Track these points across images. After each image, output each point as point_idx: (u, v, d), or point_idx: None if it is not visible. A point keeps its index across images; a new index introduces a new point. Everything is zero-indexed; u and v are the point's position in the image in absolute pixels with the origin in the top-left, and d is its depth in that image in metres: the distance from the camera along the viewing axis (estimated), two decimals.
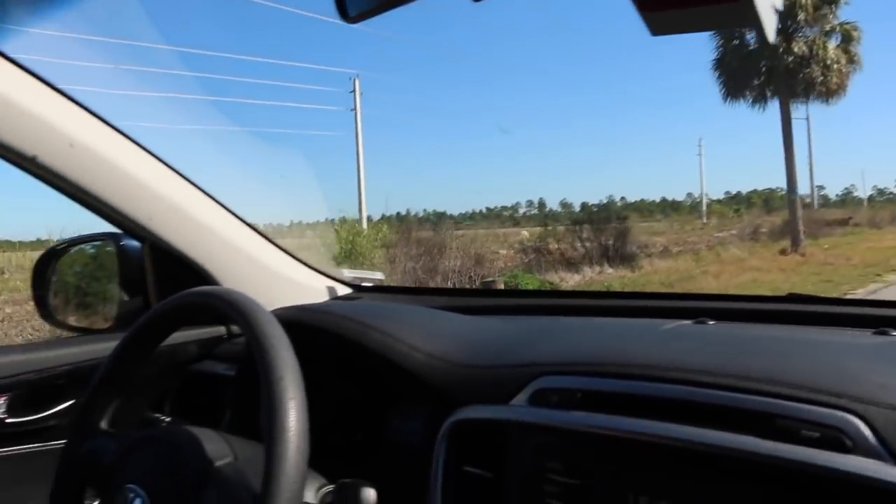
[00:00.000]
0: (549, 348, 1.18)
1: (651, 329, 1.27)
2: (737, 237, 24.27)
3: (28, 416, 1.47)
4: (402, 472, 1.22)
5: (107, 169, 1.41)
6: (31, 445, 1.48)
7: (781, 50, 21.12)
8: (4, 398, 1.44)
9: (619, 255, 17.91)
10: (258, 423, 1.26)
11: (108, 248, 1.75)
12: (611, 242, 18.19)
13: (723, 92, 23.00)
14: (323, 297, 1.73)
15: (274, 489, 0.85)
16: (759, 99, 23.20)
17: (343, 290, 1.80)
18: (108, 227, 1.57)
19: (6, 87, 1.28)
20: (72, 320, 1.75)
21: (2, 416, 1.43)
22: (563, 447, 1.00)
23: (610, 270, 16.70)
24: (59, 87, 1.34)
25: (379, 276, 1.87)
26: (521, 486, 1.03)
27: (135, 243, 1.64)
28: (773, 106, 22.69)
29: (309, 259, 1.76)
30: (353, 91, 23.47)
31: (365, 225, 16.65)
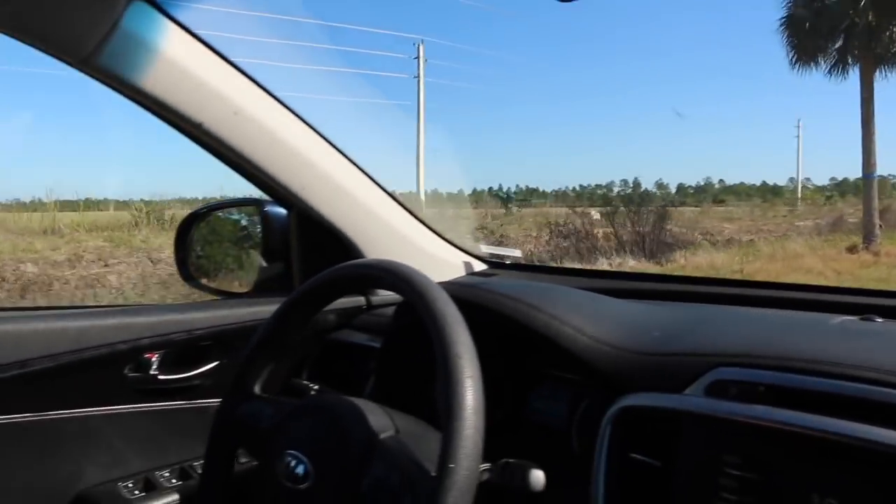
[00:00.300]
0: (724, 338, 1.14)
1: (821, 324, 1.22)
2: (813, 228, 21.67)
3: (176, 374, 1.52)
4: (541, 454, 1.21)
5: (267, 137, 1.43)
6: (175, 402, 1.54)
7: (863, 3, 18.30)
8: (157, 355, 1.49)
9: (657, 244, 16.20)
10: (405, 395, 1.27)
11: (251, 214, 1.79)
12: (647, 229, 16.29)
13: (791, 56, 19.73)
14: (459, 273, 1.72)
15: (453, 465, 0.85)
16: (838, 65, 19.74)
17: (479, 266, 1.79)
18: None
19: (181, 54, 1.31)
20: (212, 283, 1.79)
21: (154, 373, 1.49)
22: (743, 441, 0.97)
23: (632, 262, 14.82)
24: (227, 56, 1.36)
25: (516, 253, 1.85)
26: (694, 478, 1.00)
27: (280, 210, 1.66)
28: (855, 75, 19.29)
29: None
30: (417, 57, 22.66)
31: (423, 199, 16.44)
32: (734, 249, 17.19)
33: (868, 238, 17.33)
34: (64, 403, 1.42)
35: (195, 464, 1.52)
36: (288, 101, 1.45)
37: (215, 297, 1.74)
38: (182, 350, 1.52)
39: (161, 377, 1.50)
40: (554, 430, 1.26)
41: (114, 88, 1.32)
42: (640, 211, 17.17)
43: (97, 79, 1.30)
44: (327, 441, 1.04)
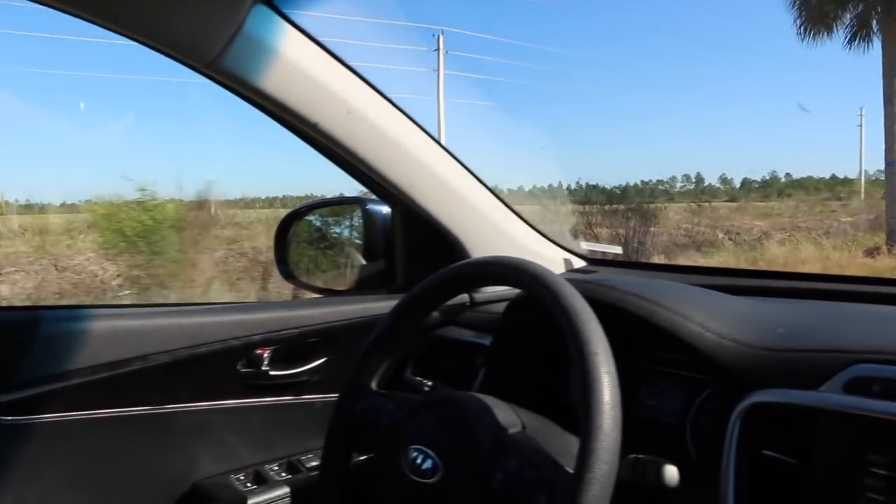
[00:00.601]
0: (858, 335, 1.11)
1: None
2: (852, 225, 19.36)
3: (285, 370, 1.56)
4: (653, 450, 1.20)
5: (378, 136, 1.45)
6: (284, 397, 1.57)
7: None
8: (268, 351, 1.52)
9: (667, 244, 15.12)
10: (516, 391, 1.27)
11: (351, 212, 1.81)
12: (649, 229, 14.57)
13: (800, 25, 16.58)
14: (559, 270, 1.72)
15: (593, 460, 0.85)
16: (858, 35, 16.58)
17: (578, 263, 1.78)
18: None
19: (299, 56, 1.34)
20: (312, 281, 1.82)
21: (265, 369, 1.52)
22: (890, 439, 0.95)
23: None
24: (340, 56, 1.38)
25: (616, 249, 1.84)
26: (835, 477, 0.98)
27: (381, 208, 1.69)
28: (877, 47, 16.25)
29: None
30: (437, 49, 21.76)
31: None
32: (750, 250, 15.75)
33: (892, 238, 14.77)
34: (179, 397, 1.47)
35: (303, 458, 1.55)
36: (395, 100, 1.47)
37: (317, 295, 1.77)
38: (291, 346, 1.55)
39: (272, 373, 1.53)
40: (666, 426, 1.25)
41: (235, 91, 1.36)
42: (643, 210, 15.57)
43: (219, 82, 1.33)
44: (455, 436, 1.04)
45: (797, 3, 16.42)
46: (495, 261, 1.14)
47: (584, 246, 1.83)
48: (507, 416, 1.06)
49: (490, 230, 1.64)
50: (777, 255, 14.34)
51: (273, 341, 1.52)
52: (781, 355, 1.11)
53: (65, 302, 9.20)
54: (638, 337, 1.27)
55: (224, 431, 1.51)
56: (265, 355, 1.52)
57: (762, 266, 12.86)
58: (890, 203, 15.26)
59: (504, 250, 1.62)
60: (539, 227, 1.75)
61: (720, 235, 16.99)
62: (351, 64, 1.40)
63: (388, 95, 1.45)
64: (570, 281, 1.07)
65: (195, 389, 1.48)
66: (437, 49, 21.57)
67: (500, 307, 1.55)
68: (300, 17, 1.32)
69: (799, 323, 1.22)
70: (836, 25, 16.29)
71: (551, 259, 1.73)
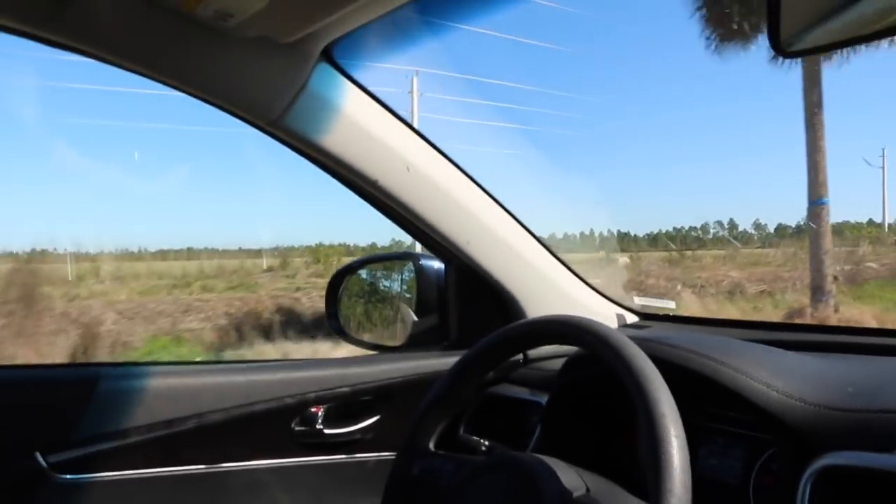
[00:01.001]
0: None
1: None
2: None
3: (339, 428, 1.54)
4: None
5: (436, 192, 1.46)
6: (337, 456, 1.55)
7: None
8: (322, 409, 1.51)
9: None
10: (574, 451, 1.24)
11: (402, 268, 1.81)
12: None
13: (710, 33, 12.66)
14: (612, 325, 1.70)
15: None
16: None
17: (631, 318, 1.77)
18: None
19: (360, 113, 1.36)
20: (364, 336, 1.81)
21: (320, 427, 1.51)
22: None
23: None
24: (397, 112, 1.40)
25: (670, 304, 1.82)
26: None
27: (434, 264, 1.69)
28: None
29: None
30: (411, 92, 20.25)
31: None
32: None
33: (816, 296, 11.55)
34: (233, 455, 1.46)
35: None
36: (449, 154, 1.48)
37: (369, 351, 1.76)
38: (345, 404, 1.54)
39: (326, 431, 1.52)
40: (727, 486, 1.22)
41: (296, 150, 1.38)
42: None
43: (281, 140, 1.35)
44: (520, 500, 1.02)
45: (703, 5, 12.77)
46: (557, 320, 1.13)
47: (637, 300, 1.81)
48: (572, 478, 1.03)
49: (545, 286, 1.63)
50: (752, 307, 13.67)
51: (327, 399, 1.51)
52: (853, 416, 1.08)
53: None
54: (697, 395, 1.25)
55: (277, 491, 1.49)
56: (319, 413, 1.51)
57: None
58: (814, 253, 11.93)
59: (559, 307, 1.61)
60: (591, 281, 1.74)
61: (678, 287, 15.90)
62: (409, 121, 1.42)
63: (444, 150, 1.46)
64: (632, 339, 1.06)
65: (249, 448, 1.47)
66: (411, 91, 21.06)
67: (554, 364, 1.53)
68: (360, 74, 1.35)
69: (867, 381, 1.19)
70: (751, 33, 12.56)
71: (604, 314, 1.71)
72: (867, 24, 0.79)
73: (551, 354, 1.59)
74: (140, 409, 1.38)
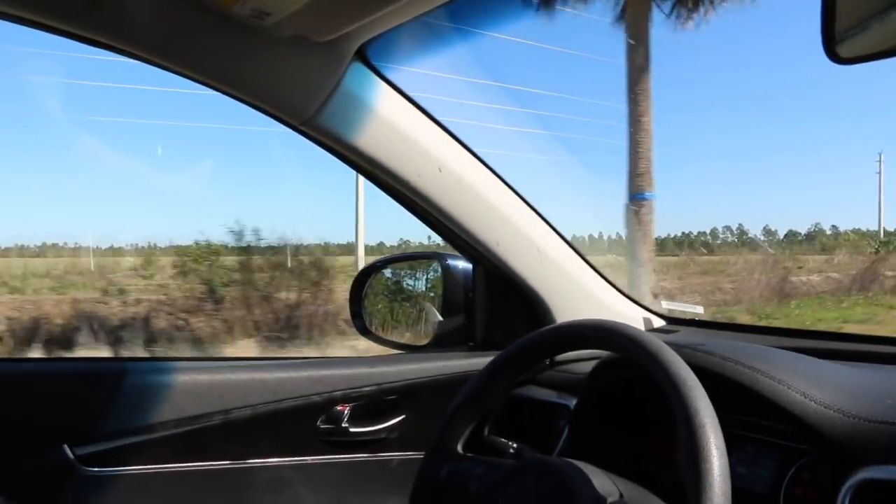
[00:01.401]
0: None
1: None
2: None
3: (365, 426, 1.54)
4: None
5: (467, 193, 1.46)
6: (361, 454, 1.55)
7: None
8: (348, 408, 1.51)
9: None
10: (602, 455, 1.24)
11: (428, 267, 1.81)
12: None
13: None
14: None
15: None
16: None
17: (657, 323, 1.75)
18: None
19: (393, 113, 1.36)
20: (389, 336, 1.81)
21: (346, 425, 1.51)
22: None
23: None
24: (431, 113, 1.39)
25: (698, 309, 1.81)
26: None
27: (461, 264, 1.68)
28: None
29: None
30: None
31: None
32: None
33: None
34: (258, 452, 1.46)
35: None
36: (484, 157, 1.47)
37: (396, 351, 1.76)
38: (370, 403, 1.54)
39: (351, 429, 1.52)
40: (756, 494, 1.21)
41: (328, 149, 1.38)
42: None
43: (313, 139, 1.35)
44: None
45: None
46: (594, 325, 1.12)
47: (664, 304, 1.80)
48: (605, 484, 1.03)
49: (573, 289, 1.62)
50: None
51: (353, 398, 1.51)
52: (893, 429, 1.06)
53: None
54: (729, 402, 1.24)
55: (301, 488, 1.49)
56: (345, 412, 1.51)
57: None
58: (630, 262, 10.16)
59: (587, 309, 1.61)
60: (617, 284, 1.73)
61: None
62: (441, 120, 1.41)
63: (478, 153, 1.46)
64: (669, 345, 1.05)
65: (275, 445, 1.47)
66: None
67: (580, 367, 1.52)
68: (394, 73, 1.34)
69: None
70: None
71: (632, 318, 1.70)
72: None
73: (577, 357, 1.59)
74: (167, 404, 1.38)
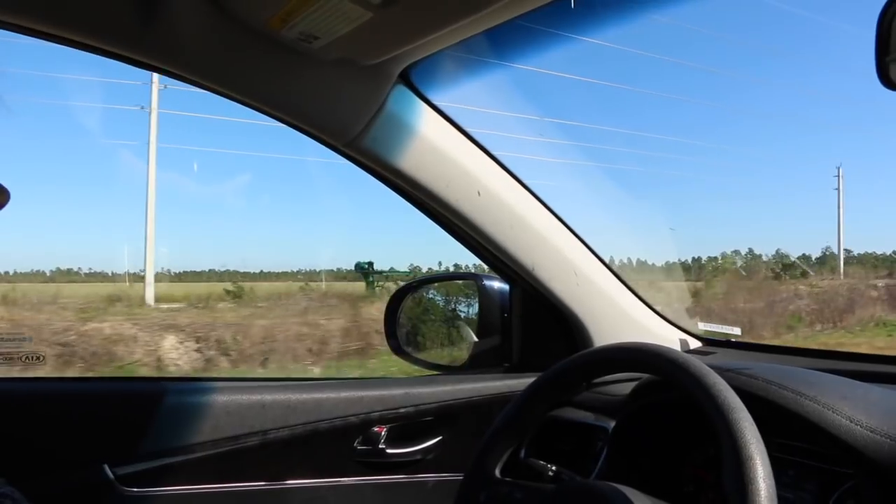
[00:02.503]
0: None
1: None
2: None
3: (401, 448, 1.54)
4: None
5: (507, 216, 1.47)
6: (397, 476, 1.55)
7: None
8: (385, 429, 1.51)
9: None
10: (641, 477, 1.23)
11: (464, 288, 1.81)
12: None
13: None
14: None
15: None
16: None
17: (694, 344, 1.74)
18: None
19: (434, 135, 1.37)
20: (424, 356, 1.81)
21: (382, 446, 1.51)
22: None
23: None
24: (472, 135, 1.40)
25: (736, 331, 1.80)
26: None
27: (498, 285, 1.68)
28: None
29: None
30: None
31: None
32: None
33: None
34: (295, 473, 1.46)
35: None
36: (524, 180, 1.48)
37: (431, 372, 1.76)
38: (407, 424, 1.54)
39: (388, 451, 1.52)
40: None
41: (369, 170, 1.39)
42: None
43: (356, 161, 1.37)
44: None
45: None
46: (635, 348, 1.12)
47: (701, 326, 1.79)
48: None
49: (612, 311, 1.62)
50: None
51: (390, 419, 1.51)
52: None
53: None
54: (770, 424, 1.23)
55: None
56: (382, 433, 1.51)
57: None
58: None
59: (625, 331, 1.60)
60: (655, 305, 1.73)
61: None
62: (483, 144, 1.42)
63: (518, 176, 1.47)
64: (712, 368, 1.05)
65: (312, 465, 1.47)
66: None
67: (617, 388, 1.52)
68: (437, 96, 1.36)
69: None
70: None
71: (669, 340, 1.69)
72: None
73: (615, 379, 1.58)
74: (206, 425, 1.39)
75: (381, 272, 14.51)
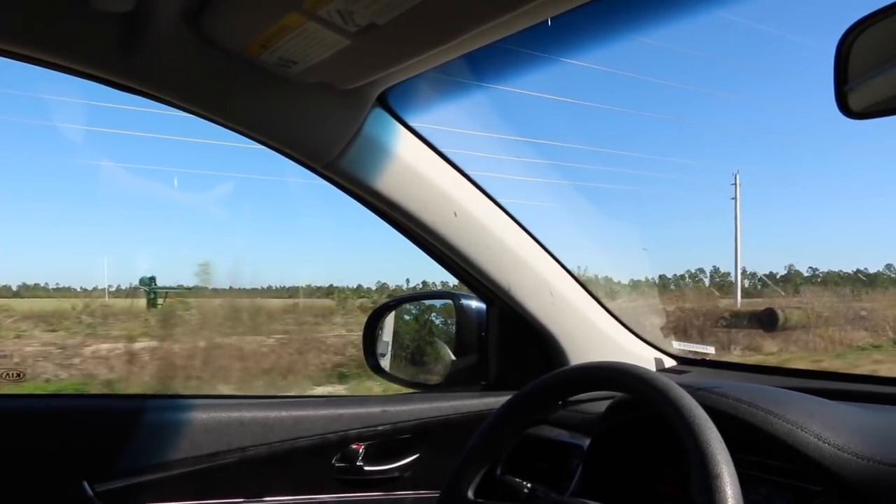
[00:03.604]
0: None
1: None
2: None
3: (379, 465, 1.55)
4: None
5: (483, 237, 1.49)
6: (374, 493, 1.56)
7: None
8: (363, 446, 1.52)
9: None
10: (615, 494, 1.25)
11: (441, 307, 1.83)
12: None
13: None
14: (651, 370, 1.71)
15: None
16: None
17: (669, 363, 1.77)
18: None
19: (412, 157, 1.39)
20: (402, 375, 1.82)
21: (360, 464, 1.52)
22: None
23: None
24: (449, 157, 1.43)
25: (709, 350, 1.83)
26: None
27: (475, 304, 1.70)
28: None
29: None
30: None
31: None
32: None
33: None
34: (273, 490, 1.47)
35: None
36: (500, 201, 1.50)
37: (408, 390, 1.77)
38: (385, 442, 1.55)
39: (366, 468, 1.53)
40: None
41: (348, 192, 1.41)
42: None
43: (334, 182, 1.38)
44: None
45: None
46: (607, 367, 1.15)
47: (676, 345, 1.81)
48: None
49: (587, 330, 1.64)
50: None
51: (368, 436, 1.52)
52: None
53: None
54: (742, 443, 1.25)
55: None
56: (360, 450, 1.52)
57: None
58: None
59: (600, 350, 1.62)
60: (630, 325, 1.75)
61: None
62: (459, 165, 1.44)
63: (494, 196, 1.49)
64: (682, 386, 1.07)
65: (290, 482, 1.48)
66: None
67: (593, 406, 1.53)
68: (415, 118, 1.38)
69: None
70: None
71: (644, 359, 1.72)
72: None
73: (590, 397, 1.60)
74: (185, 442, 1.40)
75: (164, 288, 14.27)
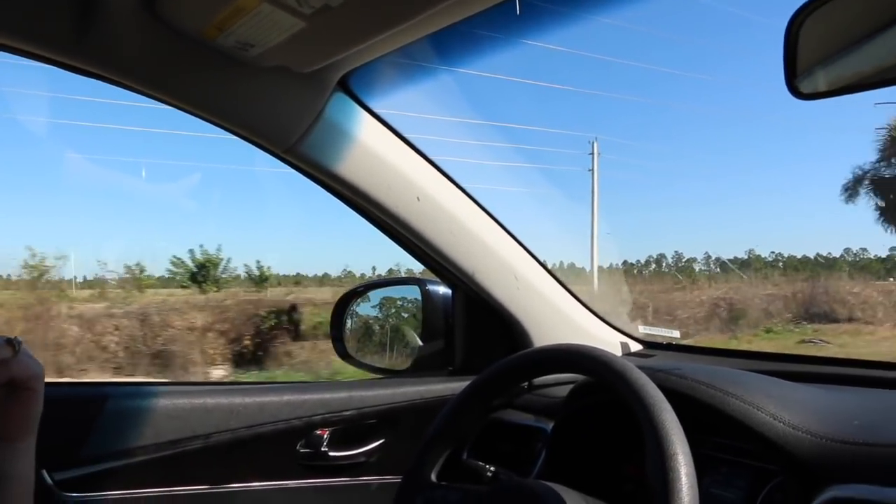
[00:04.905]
0: None
1: None
2: None
3: (344, 451, 1.55)
4: None
5: (446, 221, 1.49)
6: (340, 479, 1.56)
7: None
8: (327, 432, 1.52)
9: None
10: (578, 477, 1.26)
11: (409, 293, 1.83)
12: None
13: None
14: (617, 353, 1.72)
15: None
16: None
17: (635, 347, 1.78)
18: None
19: (374, 142, 1.39)
20: (369, 360, 1.82)
21: (325, 449, 1.52)
22: None
23: None
24: (412, 142, 1.42)
25: (675, 333, 1.84)
26: None
27: (441, 289, 1.70)
28: None
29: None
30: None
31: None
32: None
33: None
34: (238, 476, 1.47)
35: None
36: (464, 186, 1.50)
37: (375, 375, 1.77)
38: (350, 427, 1.55)
39: (330, 454, 1.53)
40: None
41: (310, 176, 1.40)
42: None
43: (296, 167, 1.38)
44: None
45: None
46: (567, 349, 1.15)
47: (642, 329, 1.83)
48: None
49: (551, 314, 1.64)
50: None
51: (332, 422, 1.52)
52: (860, 449, 1.09)
53: None
54: (702, 425, 1.26)
55: None
56: (325, 436, 1.52)
57: None
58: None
59: (565, 334, 1.63)
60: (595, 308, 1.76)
61: None
62: (423, 150, 1.44)
63: (458, 181, 1.49)
64: (641, 368, 1.08)
65: (255, 469, 1.48)
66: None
67: (558, 391, 1.54)
68: (377, 103, 1.37)
69: (874, 414, 1.20)
70: None
71: (609, 342, 1.73)
72: (882, 67, 0.81)
73: (556, 381, 1.61)
74: (147, 429, 1.39)
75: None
